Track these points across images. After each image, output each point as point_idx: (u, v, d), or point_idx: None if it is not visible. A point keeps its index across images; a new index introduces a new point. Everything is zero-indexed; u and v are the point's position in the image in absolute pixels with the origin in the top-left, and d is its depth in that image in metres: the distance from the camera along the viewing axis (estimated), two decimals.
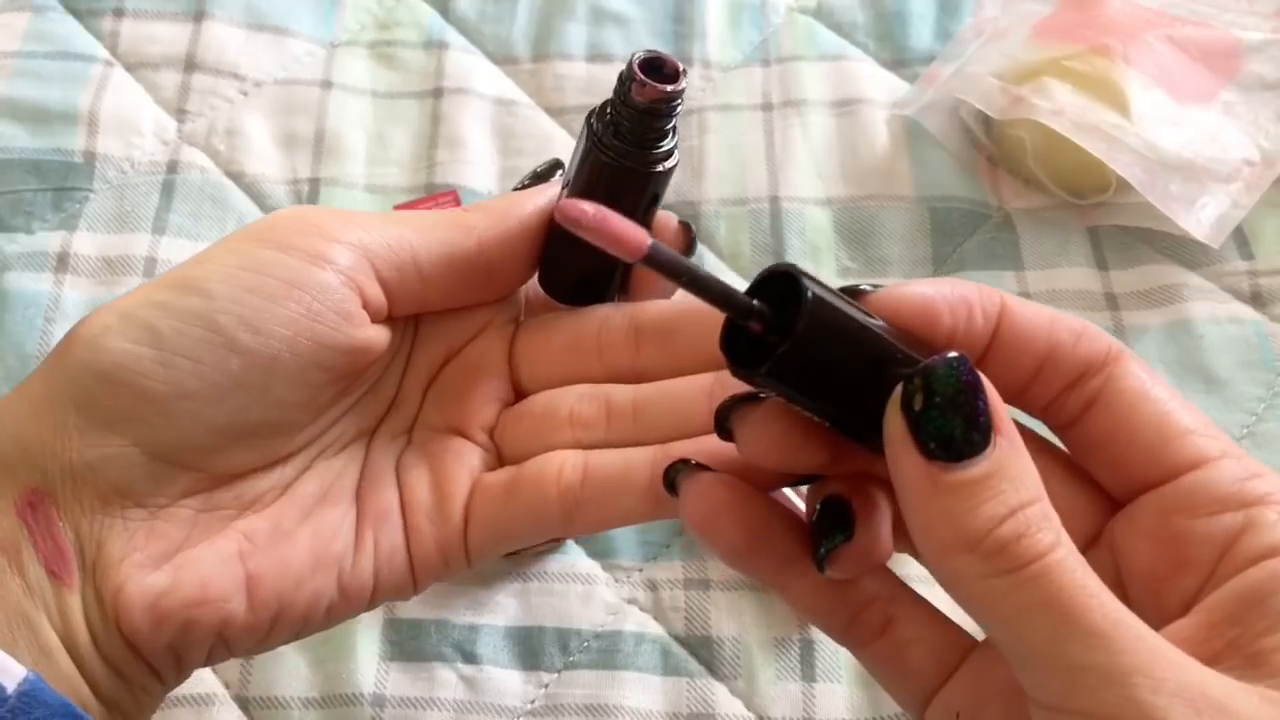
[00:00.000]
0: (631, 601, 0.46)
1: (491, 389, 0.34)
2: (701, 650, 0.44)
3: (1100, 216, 0.54)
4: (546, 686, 0.44)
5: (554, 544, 0.46)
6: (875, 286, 0.26)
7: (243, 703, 0.43)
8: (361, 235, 0.31)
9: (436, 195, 0.54)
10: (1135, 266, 0.53)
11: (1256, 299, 0.52)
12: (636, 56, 0.30)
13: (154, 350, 0.29)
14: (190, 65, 0.59)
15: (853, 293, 0.26)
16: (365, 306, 0.31)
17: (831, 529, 0.27)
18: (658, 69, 0.30)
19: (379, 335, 0.31)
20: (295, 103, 0.58)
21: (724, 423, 0.27)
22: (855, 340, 0.25)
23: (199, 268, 0.30)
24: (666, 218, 0.34)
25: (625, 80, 0.30)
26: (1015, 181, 0.56)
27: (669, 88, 0.30)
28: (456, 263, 0.32)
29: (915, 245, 0.54)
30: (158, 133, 0.57)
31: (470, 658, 0.44)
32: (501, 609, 0.45)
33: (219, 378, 0.29)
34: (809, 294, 0.24)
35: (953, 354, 0.24)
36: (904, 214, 0.55)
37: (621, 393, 0.32)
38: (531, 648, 0.44)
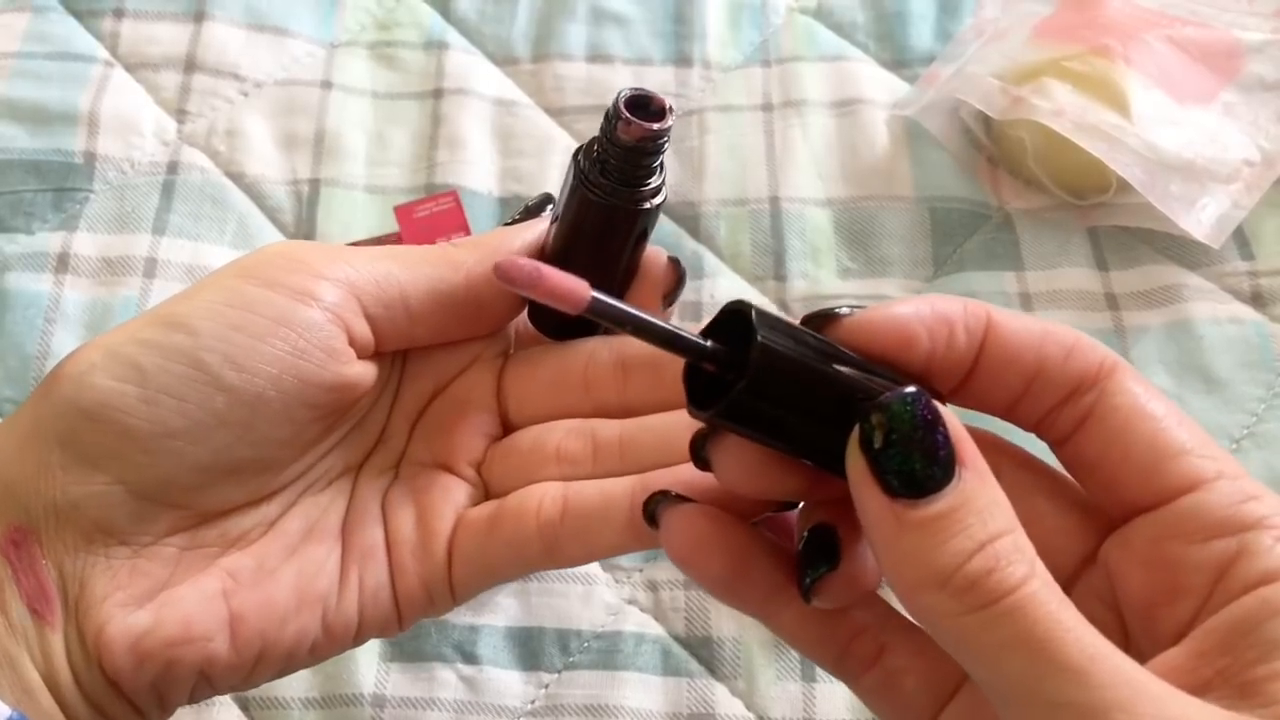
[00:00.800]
0: (632, 602, 0.46)
1: (479, 424, 0.34)
2: (702, 650, 0.44)
3: (1100, 217, 0.54)
4: (547, 687, 0.44)
5: None
6: (855, 308, 0.26)
7: (243, 703, 0.43)
8: (349, 271, 0.31)
9: (437, 195, 0.54)
10: (1135, 267, 0.53)
11: (1257, 299, 0.52)
12: (622, 94, 0.30)
13: (138, 388, 0.28)
14: (190, 66, 0.59)
15: (827, 316, 0.25)
16: (352, 343, 0.31)
17: (816, 558, 0.26)
18: (644, 106, 0.30)
19: (365, 371, 0.31)
20: (295, 103, 0.58)
21: (699, 451, 0.27)
22: (812, 378, 0.24)
23: (185, 304, 0.30)
24: (656, 254, 0.33)
25: (611, 118, 0.30)
26: (1015, 182, 0.56)
27: (655, 126, 0.29)
28: (445, 299, 0.32)
29: (915, 245, 0.54)
30: (158, 133, 0.57)
31: (470, 658, 0.44)
32: (501, 609, 0.45)
33: (203, 415, 0.29)
34: (758, 337, 0.23)
35: (908, 389, 0.23)
36: (904, 214, 0.55)
37: (608, 428, 0.32)
38: (531, 648, 0.44)
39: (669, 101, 0.30)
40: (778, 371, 0.24)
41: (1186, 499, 0.25)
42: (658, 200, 0.31)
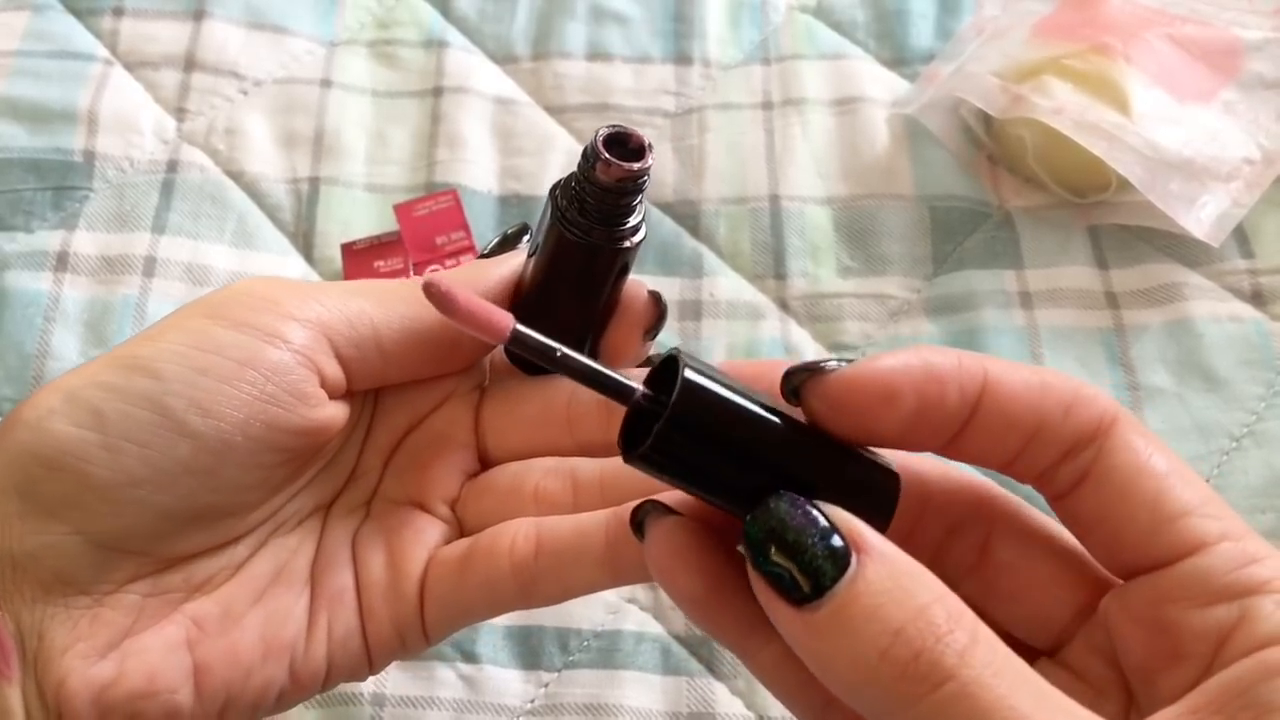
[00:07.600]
0: (631, 600, 0.46)
1: (455, 460, 0.33)
2: (701, 649, 0.44)
3: (1100, 215, 0.54)
4: (546, 686, 0.44)
5: None
6: (842, 362, 0.25)
7: None
8: (319, 310, 0.30)
9: (436, 194, 0.54)
10: (1136, 265, 0.53)
11: (1257, 298, 0.52)
12: (600, 132, 0.29)
13: (99, 435, 0.27)
14: (190, 64, 0.59)
15: (810, 369, 0.25)
16: (322, 384, 0.30)
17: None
18: (622, 144, 0.29)
19: (337, 413, 0.31)
20: (295, 102, 0.58)
21: (639, 520, 0.26)
22: (737, 421, 0.24)
23: (148, 345, 0.29)
24: (636, 288, 0.33)
25: (589, 157, 0.29)
26: (1015, 180, 0.56)
27: (635, 166, 0.29)
28: (418, 337, 0.31)
29: (915, 244, 0.54)
30: (157, 132, 0.57)
31: (470, 657, 0.44)
32: None
33: (167, 463, 0.28)
34: (684, 373, 0.23)
35: (774, 497, 0.23)
36: (904, 213, 0.55)
37: (588, 468, 0.31)
38: (531, 647, 0.44)
39: (648, 139, 0.29)
40: (702, 409, 0.23)
41: (1188, 562, 0.24)
42: (637, 239, 0.30)
